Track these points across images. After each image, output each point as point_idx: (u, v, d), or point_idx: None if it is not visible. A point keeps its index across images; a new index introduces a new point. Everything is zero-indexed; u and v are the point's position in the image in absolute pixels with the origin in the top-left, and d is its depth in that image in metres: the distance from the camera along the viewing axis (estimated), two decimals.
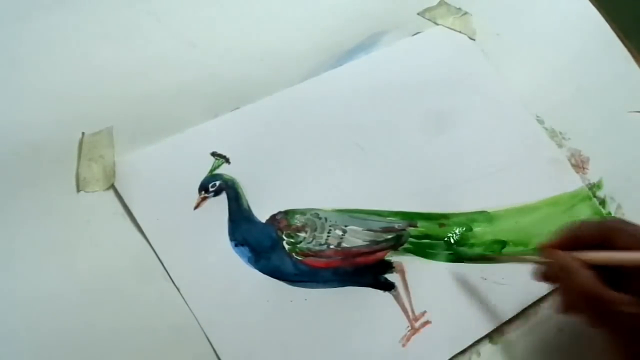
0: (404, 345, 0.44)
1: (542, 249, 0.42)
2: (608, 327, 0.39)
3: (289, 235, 0.45)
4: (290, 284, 0.44)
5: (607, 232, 0.40)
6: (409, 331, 0.45)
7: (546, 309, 0.48)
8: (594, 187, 0.53)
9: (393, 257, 0.47)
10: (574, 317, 0.41)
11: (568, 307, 0.41)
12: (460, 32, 0.56)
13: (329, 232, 0.46)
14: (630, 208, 0.53)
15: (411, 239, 0.47)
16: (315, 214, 0.46)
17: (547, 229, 0.50)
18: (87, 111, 0.46)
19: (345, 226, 0.47)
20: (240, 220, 0.45)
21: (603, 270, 0.39)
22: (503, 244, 0.49)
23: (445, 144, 0.51)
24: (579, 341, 0.47)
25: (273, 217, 0.46)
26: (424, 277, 0.46)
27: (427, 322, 0.45)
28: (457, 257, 0.48)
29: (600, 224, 0.42)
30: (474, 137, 0.52)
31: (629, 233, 0.40)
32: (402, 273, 0.46)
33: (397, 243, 0.47)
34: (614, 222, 0.42)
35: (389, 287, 0.46)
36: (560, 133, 0.54)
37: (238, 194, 0.45)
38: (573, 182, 0.53)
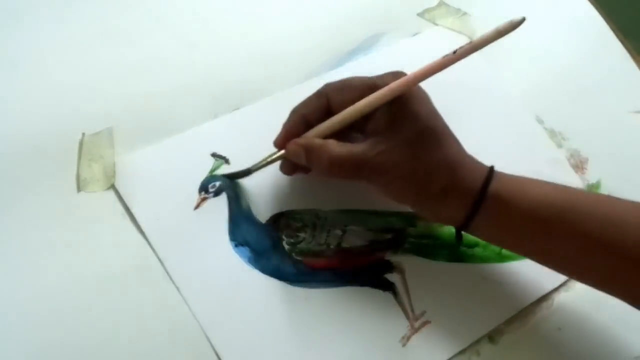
0: (403, 345, 0.44)
1: (280, 143, 0.43)
2: (369, 175, 0.41)
3: (288, 236, 0.45)
4: (290, 284, 0.44)
5: (325, 100, 0.42)
6: (408, 331, 0.45)
7: (546, 308, 0.48)
8: (593, 187, 0.53)
9: (393, 257, 0.47)
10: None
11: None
12: (459, 32, 0.56)
13: (328, 232, 0.46)
14: None
15: (411, 239, 0.48)
16: (315, 214, 0.46)
17: None
18: (87, 111, 0.46)
19: (345, 226, 0.47)
20: (240, 221, 0.45)
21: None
22: None
23: None
24: (578, 341, 0.47)
25: (273, 217, 0.46)
26: (423, 277, 0.46)
27: (426, 322, 0.45)
28: (456, 257, 0.48)
29: (316, 95, 0.43)
30: (473, 137, 0.51)
31: (337, 88, 0.42)
32: (402, 273, 0.46)
33: (396, 243, 0.47)
34: (325, 88, 0.43)
35: (388, 287, 0.46)
36: (560, 133, 0.54)
37: (238, 194, 0.45)
38: (572, 183, 0.53)
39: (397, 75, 0.42)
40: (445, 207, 0.41)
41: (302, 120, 0.43)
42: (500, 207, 0.41)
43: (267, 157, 0.44)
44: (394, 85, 0.40)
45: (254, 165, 0.44)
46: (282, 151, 0.44)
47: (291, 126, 0.43)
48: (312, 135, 0.42)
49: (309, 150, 0.42)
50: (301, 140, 0.42)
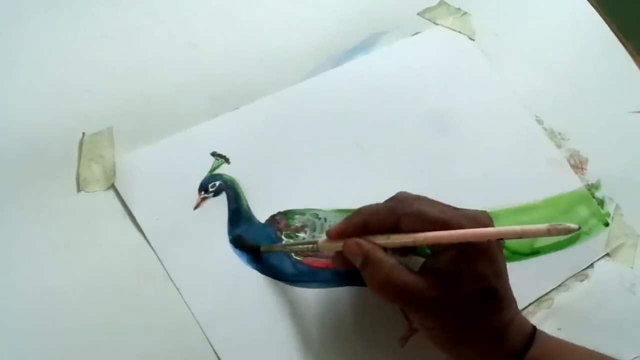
0: (402, 346, 0.44)
1: (335, 236, 0.41)
2: (415, 312, 0.40)
3: (288, 236, 0.45)
4: (290, 284, 0.44)
5: (395, 219, 0.40)
6: (407, 331, 0.45)
7: (546, 309, 0.48)
8: (592, 187, 0.53)
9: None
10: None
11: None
12: (459, 32, 0.56)
13: None
14: (629, 209, 0.53)
15: None
16: (315, 214, 0.46)
17: None
18: (87, 111, 0.46)
19: None
20: (239, 221, 0.45)
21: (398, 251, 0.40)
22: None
23: (444, 144, 0.51)
24: (578, 341, 0.47)
25: (272, 217, 0.46)
26: None
27: None
28: None
29: (389, 211, 0.40)
30: (473, 137, 0.52)
31: (411, 216, 0.39)
32: None
33: None
34: (399, 209, 0.40)
35: None
36: (559, 133, 0.54)
37: (238, 194, 0.45)
38: (572, 183, 0.53)
39: (478, 219, 0.39)
40: None
41: (364, 223, 0.40)
42: None
43: (302, 243, 0.43)
44: (469, 234, 0.38)
45: (287, 245, 0.44)
46: (324, 240, 0.41)
47: (353, 225, 0.40)
48: (376, 243, 0.40)
49: (368, 259, 0.39)
50: (365, 245, 0.39)
